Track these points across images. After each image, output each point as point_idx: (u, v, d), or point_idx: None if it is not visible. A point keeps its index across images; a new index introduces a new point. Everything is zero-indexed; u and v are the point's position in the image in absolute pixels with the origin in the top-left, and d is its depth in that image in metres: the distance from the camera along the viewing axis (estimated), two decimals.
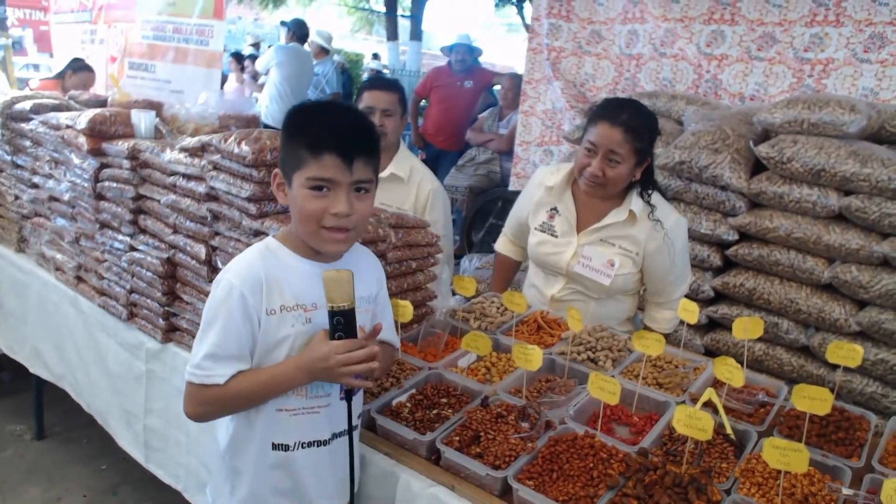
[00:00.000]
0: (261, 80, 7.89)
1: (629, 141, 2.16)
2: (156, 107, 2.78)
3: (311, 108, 1.50)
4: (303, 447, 1.54)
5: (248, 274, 1.45)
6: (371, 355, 1.43)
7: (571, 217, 2.38)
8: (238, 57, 9.43)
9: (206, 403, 1.48)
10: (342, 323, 1.42)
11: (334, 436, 1.57)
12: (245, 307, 1.43)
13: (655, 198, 2.34)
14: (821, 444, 1.69)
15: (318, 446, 1.55)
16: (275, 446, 1.53)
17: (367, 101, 2.77)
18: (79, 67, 5.00)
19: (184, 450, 2.27)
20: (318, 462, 1.56)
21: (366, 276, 1.62)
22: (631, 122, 2.17)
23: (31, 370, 3.03)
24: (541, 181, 2.47)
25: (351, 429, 1.53)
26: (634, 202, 2.29)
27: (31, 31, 10.72)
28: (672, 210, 2.38)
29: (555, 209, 2.41)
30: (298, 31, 7.03)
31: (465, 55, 6.27)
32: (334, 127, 1.43)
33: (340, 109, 1.55)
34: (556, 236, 2.39)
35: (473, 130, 5.94)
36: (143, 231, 2.35)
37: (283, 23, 7.80)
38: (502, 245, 2.75)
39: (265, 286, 1.45)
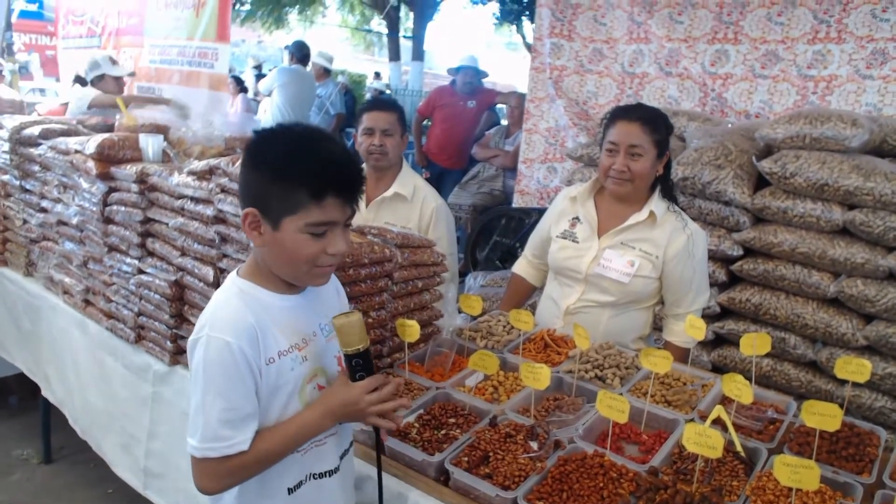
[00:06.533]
0: (262, 104, 7.94)
1: (647, 133, 2.27)
2: (163, 130, 2.81)
3: (289, 142, 1.35)
4: (314, 478, 1.50)
5: (241, 327, 1.35)
6: (397, 390, 1.45)
7: (593, 222, 2.41)
8: (238, 80, 9.46)
9: (230, 475, 1.36)
10: (361, 363, 1.41)
11: (340, 459, 1.56)
12: (247, 363, 1.34)
13: (677, 209, 2.41)
14: (831, 460, 1.69)
15: (329, 476, 1.53)
16: (291, 490, 1.47)
17: (366, 122, 2.81)
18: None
19: (184, 475, 2.23)
20: (331, 488, 1.54)
21: (330, 293, 1.59)
22: (645, 115, 2.30)
23: (44, 393, 3.04)
24: (564, 195, 2.56)
25: (380, 462, 1.52)
26: (656, 204, 2.34)
27: (38, 56, 10.86)
28: (692, 222, 2.42)
29: (577, 218, 2.46)
30: (298, 52, 7.10)
31: (473, 77, 6.34)
32: (334, 168, 1.34)
33: (324, 143, 1.36)
34: (578, 241, 2.42)
35: (480, 146, 5.97)
36: (151, 254, 2.37)
37: (286, 47, 7.87)
38: (520, 267, 2.76)
39: (260, 336, 1.36)
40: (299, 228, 1.32)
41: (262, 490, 1.45)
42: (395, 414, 1.45)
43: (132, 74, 5.32)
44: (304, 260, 1.36)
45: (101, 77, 4.89)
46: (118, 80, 5.02)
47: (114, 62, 5.07)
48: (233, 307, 1.39)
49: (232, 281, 1.45)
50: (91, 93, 4.73)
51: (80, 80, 5.12)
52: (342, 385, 1.43)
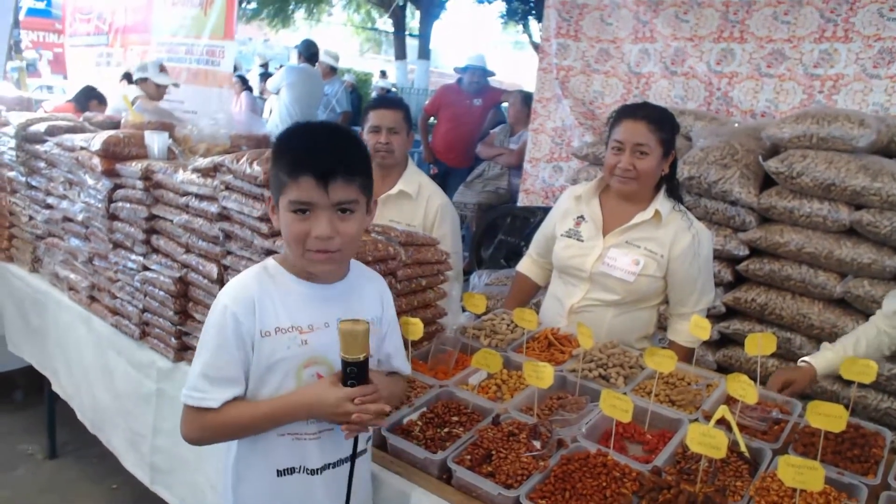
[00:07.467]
0: (268, 102, 7.95)
1: (653, 131, 2.26)
2: (168, 128, 2.81)
3: (294, 131, 1.48)
4: (307, 472, 1.51)
5: (240, 294, 1.45)
6: (382, 409, 1.44)
7: (598, 221, 2.41)
8: (241, 79, 9.45)
9: (202, 428, 1.46)
10: (356, 372, 1.42)
11: (339, 461, 1.54)
12: (238, 329, 1.42)
13: (682, 208, 2.41)
14: (836, 461, 1.68)
15: (324, 470, 1.52)
16: (280, 472, 1.50)
17: (372, 120, 2.81)
18: (94, 96, 5.19)
19: (192, 469, 2.27)
20: (325, 486, 1.53)
21: (368, 298, 1.60)
22: (651, 114, 2.30)
23: (53, 388, 3.05)
24: (569, 194, 2.55)
25: (354, 457, 1.49)
26: (661, 203, 2.33)
27: (46, 54, 10.90)
28: (697, 221, 2.42)
29: (581, 217, 2.45)
30: (306, 51, 7.10)
31: (480, 77, 6.34)
32: (309, 148, 1.41)
33: (321, 130, 1.50)
34: (582, 240, 2.42)
35: (485, 145, 5.98)
36: (156, 251, 2.37)
37: (296, 46, 7.89)
38: (525, 266, 2.75)
39: (258, 307, 1.43)
40: (286, 206, 1.41)
41: (253, 464, 1.51)
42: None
43: (176, 85, 5.55)
44: (294, 240, 1.41)
45: (145, 79, 5.21)
46: (159, 87, 5.29)
47: (162, 69, 5.35)
48: (244, 278, 1.50)
49: (264, 261, 1.55)
50: (134, 91, 5.08)
51: (127, 77, 5.49)
52: (329, 385, 1.44)
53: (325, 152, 1.40)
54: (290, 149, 1.43)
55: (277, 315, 1.45)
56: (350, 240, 1.44)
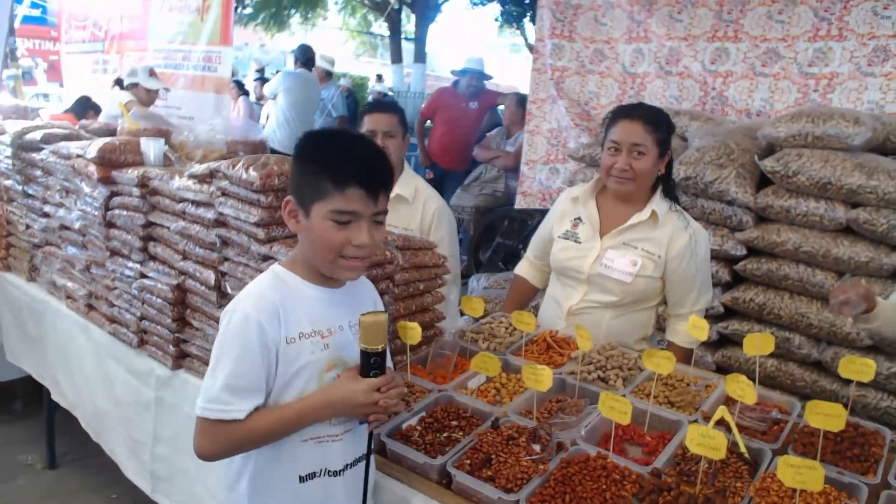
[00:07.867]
0: (265, 108, 7.96)
1: (650, 132, 2.26)
2: (164, 134, 2.81)
3: (330, 137, 1.51)
4: (328, 475, 1.53)
5: (264, 303, 1.43)
6: (403, 392, 1.49)
7: (595, 223, 2.41)
8: (238, 84, 9.46)
9: (223, 442, 1.43)
10: (378, 362, 1.45)
11: (356, 460, 1.56)
12: (263, 337, 1.41)
13: (678, 208, 2.41)
14: (836, 460, 1.67)
15: (345, 471, 1.54)
16: (302, 478, 1.50)
17: (368, 124, 2.80)
18: (91, 107, 5.22)
19: (191, 478, 2.26)
20: (345, 486, 1.55)
21: (366, 300, 1.64)
22: (647, 114, 2.29)
23: (53, 397, 3.04)
24: (566, 196, 2.56)
25: (370, 454, 1.53)
26: (658, 204, 2.33)
27: (41, 62, 10.89)
28: (694, 221, 2.41)
29: (578, 218, 2.45)
30: (302, 56, 7.11)
31: (477, 80, 6.34)
32: (360, 160, 1.43)
33: (360, 141, 1.55)
34: (580, 242, 2.41)
35: (481, 147, 5.98)
36: (153, 258, 2.37)
37: (292, 51, 7.91)
38: (522, 268, 2.75)
39: (282, 314, 1.44)
40: (324, 215, 1.40)
41: (274, 472, 1.50)
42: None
43: (167, 89, 5.60)
44: (330, 248, 1.42)
45: (135, 84, 5.26)
46: (150, 92, 5.33)
47: (151, 74, 5.38)
48: (261, 285, 1.50)
49: (271, 268, 1.55)
50: (125, 96, 5.12)
51: (119, 83, 5.54)
52: (349, 379, 1.46)
53: (375, 165, 1.45)
54: (335, 157, 1.43)
55: (300, 321, 1.46)
56: (377, 246, 1.51)
